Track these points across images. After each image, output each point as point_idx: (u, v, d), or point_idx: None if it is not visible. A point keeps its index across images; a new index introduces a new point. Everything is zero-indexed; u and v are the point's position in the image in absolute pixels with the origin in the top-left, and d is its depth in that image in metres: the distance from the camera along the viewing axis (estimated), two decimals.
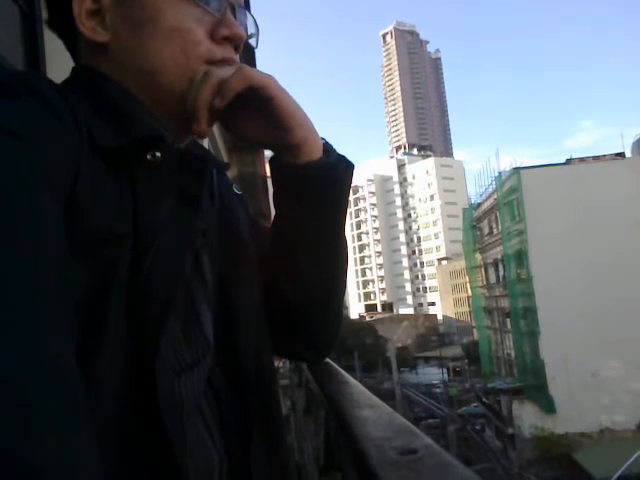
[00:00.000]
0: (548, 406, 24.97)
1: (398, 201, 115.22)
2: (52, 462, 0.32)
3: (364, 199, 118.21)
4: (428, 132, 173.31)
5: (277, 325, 0.73)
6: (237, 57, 0.66)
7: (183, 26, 0.61)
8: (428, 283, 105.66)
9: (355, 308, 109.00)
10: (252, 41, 0.72)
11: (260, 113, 0.63)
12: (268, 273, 0.71)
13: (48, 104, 0.50)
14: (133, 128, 0.57)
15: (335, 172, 0.67)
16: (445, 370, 48.67)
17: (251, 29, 0.71)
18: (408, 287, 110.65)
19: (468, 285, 43.61)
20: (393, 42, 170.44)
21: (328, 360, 0.88)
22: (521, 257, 27.07)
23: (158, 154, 0.56)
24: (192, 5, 0.62)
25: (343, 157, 0.69)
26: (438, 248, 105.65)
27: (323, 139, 0.68)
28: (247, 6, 0.71)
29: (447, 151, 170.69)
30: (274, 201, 0.70)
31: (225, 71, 0.61)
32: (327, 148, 0.68)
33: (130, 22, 0.61)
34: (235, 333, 0.64)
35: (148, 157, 0.56)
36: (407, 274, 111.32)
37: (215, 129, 4.34)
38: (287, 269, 0.71)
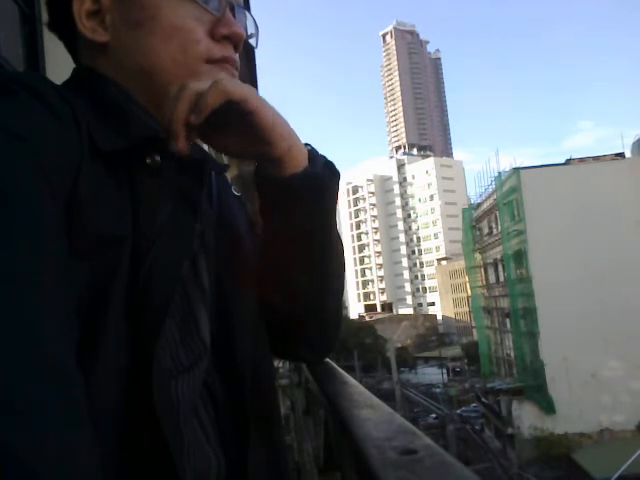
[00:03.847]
0: (548, 406, 24.97)
1: (398, 201, 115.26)
2: (51, 462, 0.32)
3: (364, 199, 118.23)
4: (428, 132, 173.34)
5: (275, 328, 0.73)
6: (237, 56, 0.66)
7: (183, 25, 0.61)
8: (428, 283, 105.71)
9: (355, 308, 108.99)
10: (252, 41, 0.72)
11: (240, 126, 0.60)
12: (260, 288, 0.70)
13: (48, 105, 0.50)
14: (132, 130, 0.57)
15: (321, 182, 0.65)
16: (445, 370, 48.67)
17: (251, 29, 0.71)
18: (408, 287, 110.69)
19: (468, 285, 43.61)
20: (393, 42, 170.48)
21: (328, 360, 0.87)
22: (521, 257, 27.07)
23: (157, 157, 0.56)
24: (191, 4, 0.62)
25: (329, 164, 0.67)
26: (438, 248, 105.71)
27: (308, 145, 0.66)
28: (247, 6, 0.71)
29: (447, 151, 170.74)
30: (260, 213, 0.68)
31: (202, 84, 0.57)
32: (312, 156, 0.66)
33: (130, 22, 0.61)
34: (232, 335, 0.64)
35: (147, 160, 0.56)
36: (407, 274, 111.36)
37: None
38: (279, 281, 0.69)
